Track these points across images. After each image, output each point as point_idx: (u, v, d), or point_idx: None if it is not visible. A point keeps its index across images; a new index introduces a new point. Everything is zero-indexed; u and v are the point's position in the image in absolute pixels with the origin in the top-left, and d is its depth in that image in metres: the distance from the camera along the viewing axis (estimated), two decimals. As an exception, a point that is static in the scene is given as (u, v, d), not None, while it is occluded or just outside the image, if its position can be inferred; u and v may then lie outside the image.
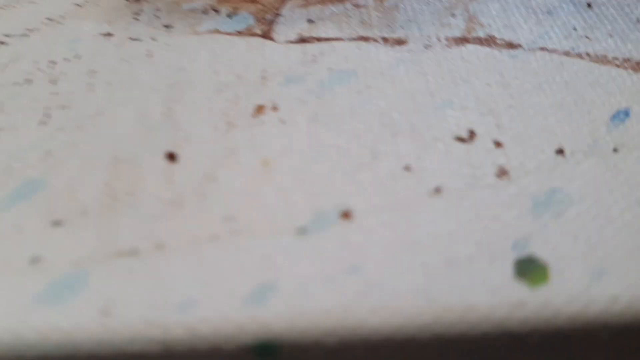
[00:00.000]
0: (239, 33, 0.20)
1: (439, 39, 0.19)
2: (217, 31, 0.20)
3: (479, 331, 0.13)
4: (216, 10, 0.21)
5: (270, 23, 0.20)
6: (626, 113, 0.17)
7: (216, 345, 0.12)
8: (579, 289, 0.13)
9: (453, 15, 0.20)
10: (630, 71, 0.18)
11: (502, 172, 0.15)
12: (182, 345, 0.12)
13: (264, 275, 0.13)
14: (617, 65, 0.18)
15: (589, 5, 0.21)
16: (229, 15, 0.20)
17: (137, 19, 0.20)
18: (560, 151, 0.16)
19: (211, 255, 0.14)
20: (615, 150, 0.16)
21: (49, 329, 0.12)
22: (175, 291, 0.13)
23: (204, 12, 0.21)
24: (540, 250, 0.14)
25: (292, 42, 0.19)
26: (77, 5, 0.21)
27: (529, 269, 0.13)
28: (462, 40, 0.19)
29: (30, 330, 0.12)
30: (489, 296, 0.13)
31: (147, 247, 0.14)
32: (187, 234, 0.14)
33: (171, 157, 0.16)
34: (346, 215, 0.14)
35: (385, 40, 0.19)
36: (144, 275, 0.13)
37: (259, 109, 0.17)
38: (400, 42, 0.19)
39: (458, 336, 0.13)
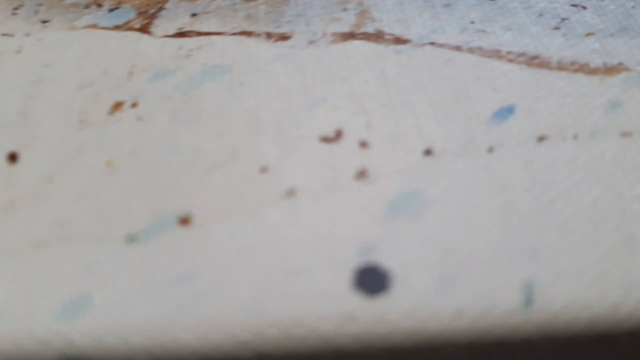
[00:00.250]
0: (117, 27, 0.19)
1: (324, 35, 0.18)
2: (95, 26, 0.19)
3: (305, 348, 0.11)
4: (99, 5, 0.19)
5: (152, 17, 0.19)
6: (510, 110, 0.16)
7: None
8: (423, 301, 0.12)
9: (345, 9, 0.19)
10: (524, 66, 0.17)
11: (362, 174, 0.14)
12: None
13: (80, 287, 0.12)
14: (510, 60, 0.17)
15: (491, -2, 0.19)
16: (111, 10, 0.19)
17: (15, 14, 0.19)
18: (428, 151, 0.15)
19: (31, 264, 0.13)
20: (490, 150, 0.15)
21: None
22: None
23: (86, 6, 0.19)
24: (385, 257, 0.12)
25: (170, 36, 0.18)
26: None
27: (369, 278, 0.12)
28: (349, 36, 0.18)
29: None
30: (321, 308, 0.12)
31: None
32: (13, 240, 0.13)
33: (12, 157, 0.15)
34: (185, 221, 0.13)
35: (269, 35, 0.18)
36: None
37: (117, 106, 0.16)
38: (284, 37, 0.18)
39: (283, 354, 0.11)
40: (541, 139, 0.15)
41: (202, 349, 0.12)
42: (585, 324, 0.12)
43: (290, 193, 0.14)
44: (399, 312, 0.12)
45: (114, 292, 0.12)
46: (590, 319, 0.12)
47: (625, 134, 0.15)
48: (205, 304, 0.12)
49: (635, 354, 0.12)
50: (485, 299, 0.12)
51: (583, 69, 0.17)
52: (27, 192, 0.14)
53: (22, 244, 0.13)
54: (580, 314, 0.12)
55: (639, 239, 0.13)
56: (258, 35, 0.18)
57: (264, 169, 0.14)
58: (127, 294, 0.12)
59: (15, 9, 0.20)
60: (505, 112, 0.16)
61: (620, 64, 0.17)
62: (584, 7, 0.19)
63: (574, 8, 0.19)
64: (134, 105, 0.16)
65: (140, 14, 0.19)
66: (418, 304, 0.12)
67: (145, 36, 0.18)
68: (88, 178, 0.14)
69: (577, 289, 0.12)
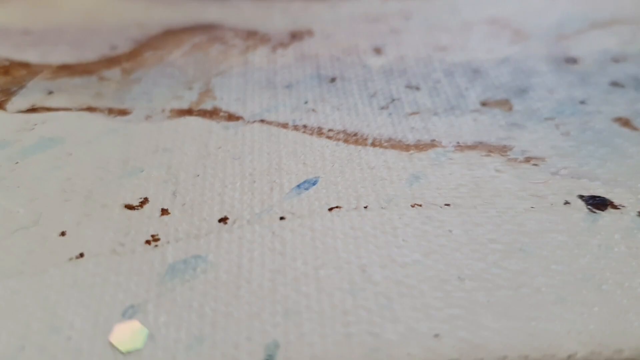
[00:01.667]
0: (-25, 102, 0.20)
1: (163, 110, 0.19)
2: (-44, 100, 0.20)
3: None
4: (-35, 82, 0.21)
5: (11, 94, 0.20)
6: (314, 182, 0.17)
7: None
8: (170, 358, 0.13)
9: (190, 88, 0.20)
10: (341, 142, 0.18)
11: (154, 239, 0.15)
12: None
13: None
14: (329, 137, 0.18)
15: (332, 80, 0.21)
16: (-26, 86, 0.21)
17: None
18: (223, 219, 0.16)
19: None
20: (281, 218, 0.16)
21: None
22: None
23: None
24: (149, 317, 0.13)
25: (22, 111, 0.19)
26: None
27: (127, 334, 0.13)
28: (186, 112, 0.19)
29: None
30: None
31: None
32: None
33: None
34: None
35: (110, 110, 0.19)
36: None
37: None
38: (124, 112, 0.19)
39: None
40: (332, 209, 0.16)
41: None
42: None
43: (80, 256, 0.15)
44: None
45: None
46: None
47: (416, 205, 0.16)
48: None
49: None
50: (228, 356, 0.13)
51: (397, 145, 0.18)
52: None
53: None
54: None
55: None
56: (101, 110, 0.20)
57: (62, 234, 0.15)
58: None
59: None
60: (308, 184, 0.17)
61: (433, 141, 0.18)
62: (418, 88, 0.21)
63: (407, 89, 0.21)
64: None
65: (2, 90, 0.21)
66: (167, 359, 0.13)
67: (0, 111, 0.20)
68: None
69: (320, 350, 0.13)
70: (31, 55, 0.22)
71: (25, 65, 0.22)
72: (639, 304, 0.14)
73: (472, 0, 0.26)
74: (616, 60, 0.22)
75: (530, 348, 0.13)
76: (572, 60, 0.22)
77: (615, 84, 0.21)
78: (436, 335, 0.13)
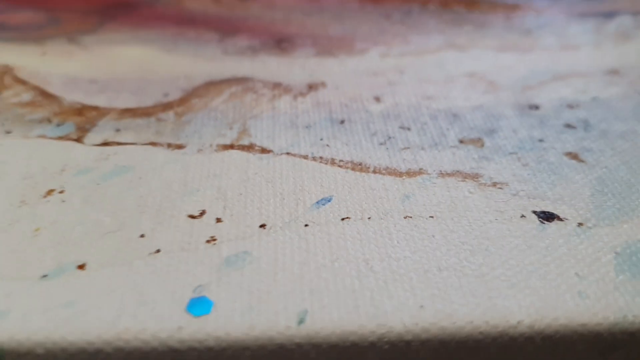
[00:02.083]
0: (59, 138, 0.26)
1: (211, 145, 0.25)
2: (43, 136, 0.26)
3: (148, 347, 0.17)
4: (49, 121, 0.27)
5: (86, 131, 0.26)
6: (329, 199, 0.22)
7: None
8: (231, 320, 0.18)
9: (231, 128, 0.26)
10: (349, 170, 0.24)
11: (212, 239, 0.21)
12: None
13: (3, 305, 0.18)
14: (340, 166, 0.24)
15: (342, 122, 0.27)
16: (58, 125, 0.26)
17: (-15, 127, 0.26)
18: (262, 225, 0.21)
19: None
20: (306, 225, 0.21)
21: None
22: None
23: (40, 121, 0.27)
24: (212, 294, 0.19)
25: (96, 145, 0.25)
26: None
27: (197, 306, 0.18)
28: (229, 147, 0.25)
29: None
30: (162, 322, 0.18)
31: None
32: None
33: None
34: (81, 267, 0.19)
35: (169, 145, 0.25)
36: None
37: (49, 192, 0.22)
38: (180, 146, 0.25)
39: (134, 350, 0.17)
40: (343, 219, 0.22)
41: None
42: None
43: (156, 252, 0.20)
44: (214, 327, 0.18)
45: (28, 309, 0.18)
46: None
47: (407, 217, 0.22)
48: (82, 321, 0.18)
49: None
50: (271, 320, 0.18)
51: (392, 172, 0.24)
52: None
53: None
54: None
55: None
56: (161, 145, 0.25)
57: (142, 236, 0.21)
58: (36, 313, 0.18)
59: (-13, 123, 0.27)
60: (325, 201, 0.22)
61: (421, 169, 0.24)
62: (409, 129, 0.26)
63: (401, 129, 0.26)
64: (61, 192, 0.23)
65: (78, 128, 0.26)
66: (228, 321, 0.18)
67: (78, 144, 0.25)
68: (16, 240, 0.21)
69: (336, 316, 0.18)
70: (99, 100, 0.28)
71: (95, 108, 0.27)
72: (571, 288, 0.19)
73: (456, 59, 0.32)
74: (571, 106, 0.28)
75: (489, 316, 0.18)
76: (534, 107, 0.28)
77: (568, 126, 0.27)
78: (421, 307, 0.18)
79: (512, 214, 0.21)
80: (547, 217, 0.21)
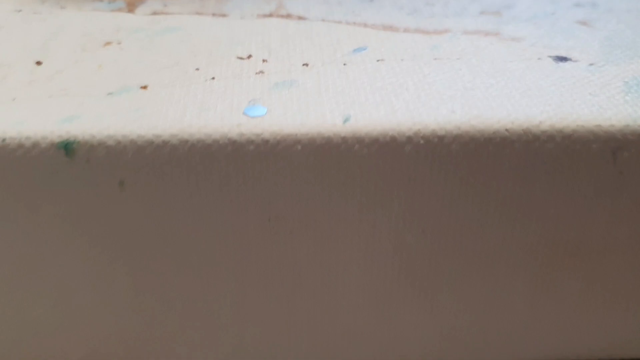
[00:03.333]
0: (112, 10, 0.28)
1: (252, 14, 0.27)
2: (96, 9, 0.28)
3: (213, 140, 0.20)
4: (101, 0, 0.29)
5: (136, 6, 0.28)
6: (364, 48, 0.25)
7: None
8: (285, 120, 0.20)
9: (269, 3, 0.29)
10: (380, 30, 0.26)
11: (260, 72, 0.23)
12: None
13: (74, 111, 0.21)
14: (373, 27, 0.26)
15: (371, 0, 0.29)
16: (109, 2, 0.29)
17: (43, 3, 0.29)
18: (305, 64, 0.23)
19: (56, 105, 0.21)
20: (344, 65, 0.23)
21: None
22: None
23: (93, 0, 0.29)
24: (264, 102, 0.21)
25: (146, 14, 0.28)
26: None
27: (252, 110, 0.21)
28: (268, 16, 0.27)
29: None
30: (224, 121, 0.20)
31: None
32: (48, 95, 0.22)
33: (38, 63, 0.24)
34: (144, 87, 0.22)
35: (214, 14, 0.27)
36: None
37: (107, 43, 0.25)
38: (223, 15, 0.27)
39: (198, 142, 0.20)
40: (379, 60, 0.24)
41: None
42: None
43: (212, 79, 0.23)
44: (269, 124, 0.20)
45: (98, 113, 0.21)
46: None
47: (436, 59, 0.24)
48: (149, 120, 0.20)
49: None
50: (319, 118, 0.20)
51: (421, 31, 0.26)
52: (45, 76, 0.23)
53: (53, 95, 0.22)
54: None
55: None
56: (207, 14, 0.28)
57: (197, 69, 0.23)
58: (106, 115, 0.21)
59: (43, 1, 0.29)
60: (360, 49, 0.25)
61: (446, 29, 0.26)
62: (433, 5, 0.29)
63: (426, 5, 0.29)
64: (119, 43, 0.25)
65: (128, 4, 0.29)
66: (281, 120, 0.20)
67: (130, 14, 0.28)
68: (84, 73, 0.23)
69: (370, 116, 0.20)
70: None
71: (141, -7, 0.30)
72: (586, 101, 0.21)
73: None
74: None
75: (514, 117, 0.21)
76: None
77: (577, 5, 0.29)
78: (452, 112, 0.21)
79: (530, 57, 0.24)
80: (561, 59, 0.24)
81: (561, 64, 0.23)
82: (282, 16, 0.27)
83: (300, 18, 0.27)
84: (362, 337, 0.24)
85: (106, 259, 0.21)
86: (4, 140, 0.19)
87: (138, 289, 0.22)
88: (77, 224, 0.20)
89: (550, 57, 0.24)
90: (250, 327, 0.24)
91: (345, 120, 0.20)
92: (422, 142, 0.20)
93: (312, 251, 0.22)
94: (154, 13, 0.27)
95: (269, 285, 0.22)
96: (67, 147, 0.19)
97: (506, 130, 0.20)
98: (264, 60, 0.23)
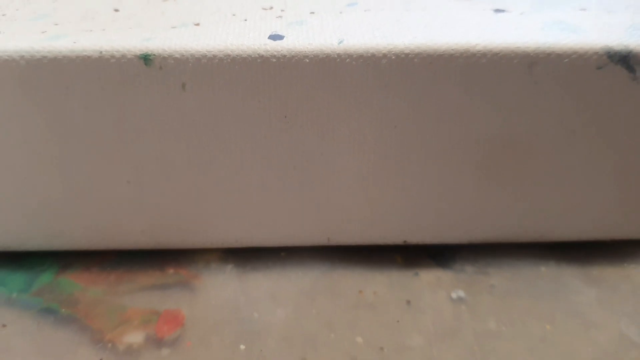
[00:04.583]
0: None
1: (272, -17, 0.37)
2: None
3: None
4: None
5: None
6: (355, 4, 0.34)
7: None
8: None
9: None
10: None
11: (279, 17, 0.32)
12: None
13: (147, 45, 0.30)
14: (362, -8, 0.36)
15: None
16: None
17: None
18: (312, 12, 0.33)
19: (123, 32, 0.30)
20: (341, 13, 0.33)
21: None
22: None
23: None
24: (284, 34, 0.30)
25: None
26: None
27: (276, 36, 0.30)
28: (284, -17, 0.37)
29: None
30: (249, 45, 0.29)
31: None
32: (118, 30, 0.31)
33: (116, 10, 0.33)
34: (197, 24, 0.31)
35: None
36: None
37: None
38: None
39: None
40: (366, 10, 0.33)
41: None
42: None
43: (245, 20, 0.32)
44: (285, 45, 0.30)
45: (167, 37, 0.30)
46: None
47: (406, 9, 0.33)
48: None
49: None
50: (325, 41, 0.30)
51: (398, -5, 0.36)
52: (123, 17, 0.32)
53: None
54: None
55: None
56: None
57: (233, 15, 0.33)
58: (173, 38, 0.30)
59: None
60: (353, 4, 0.34)
61: (417, -6, 0.36)
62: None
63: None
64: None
65: (178, -23, 0.38)
66: (291, 44, 0.30)
67: None
68: (152, 16, 0.32)
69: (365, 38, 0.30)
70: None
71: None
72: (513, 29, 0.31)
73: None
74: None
75: (456, 42, 0.30)
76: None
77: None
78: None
79: (476, 9, 0.33)
80: (499, 11, 0.33)
81: (499, 14, 0.32)
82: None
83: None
84: (351, 213, 0.33)
85: (171, 140, 0.30)
86: (101, 52, 0.28)
87: (192, 164, 0.31)
88: (151, 114, 0.29)
89: (492, 10, 0.33)
90: (270, 200, 0.33)
91: (340, 42, 0.29)
92: (393, 57, 0.29)
93: (315, 141, 0.31)
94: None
95: (284, 167, 0.31)
96: (146, 58, 0.28)
97: (452, 49, 0.29)
98: (281, 10, 0.33)
